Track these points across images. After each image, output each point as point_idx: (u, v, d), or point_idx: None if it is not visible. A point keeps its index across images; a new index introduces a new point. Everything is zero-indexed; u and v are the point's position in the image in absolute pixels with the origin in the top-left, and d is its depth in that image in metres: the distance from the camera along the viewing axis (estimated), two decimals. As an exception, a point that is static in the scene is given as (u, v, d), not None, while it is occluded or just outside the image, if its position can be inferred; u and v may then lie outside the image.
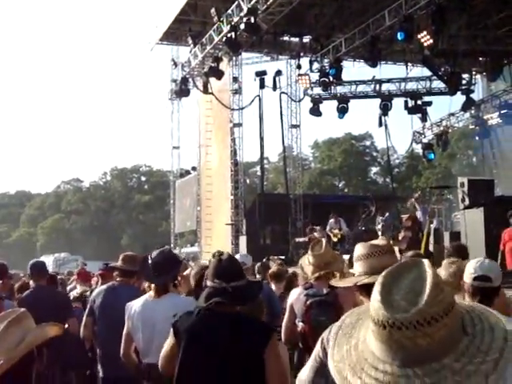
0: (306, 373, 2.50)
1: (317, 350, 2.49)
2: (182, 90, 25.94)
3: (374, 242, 2.72)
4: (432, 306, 1.30)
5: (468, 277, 3.48)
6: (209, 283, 3.44)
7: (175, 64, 28.11)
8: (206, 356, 3.28)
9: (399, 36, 17.15)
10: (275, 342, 3.34)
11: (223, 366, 3.24)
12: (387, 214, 16.82)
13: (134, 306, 4.59)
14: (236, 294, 3.34)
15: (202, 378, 3.29)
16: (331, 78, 22.63)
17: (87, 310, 5.92)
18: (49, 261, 36.03)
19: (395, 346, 1.31)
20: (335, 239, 19.62)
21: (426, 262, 1.44)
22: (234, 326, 3.31)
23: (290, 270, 11.29)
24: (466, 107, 25.05)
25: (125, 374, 4.97)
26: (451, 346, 1.32)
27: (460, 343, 1.33)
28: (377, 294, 1.38)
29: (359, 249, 2.70)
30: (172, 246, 31.73)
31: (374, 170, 66.17)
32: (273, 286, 7.30)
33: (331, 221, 20.06)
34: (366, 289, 2.57)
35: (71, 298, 7.97)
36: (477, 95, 25.85)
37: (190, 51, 24.86)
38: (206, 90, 24.16)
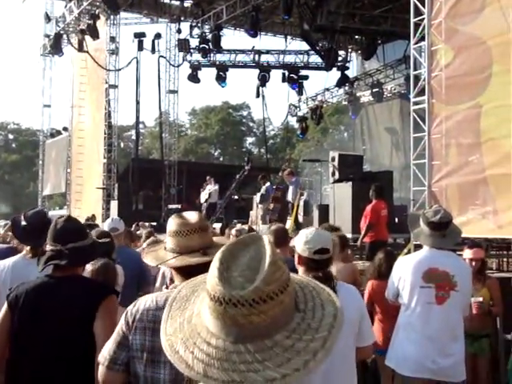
0: (107, 346, 2.49)
1: (121, 323, 2.48)
2: (55, 47, 24.79)
3: (187, 217, 2.60)
4: (268, 284, 1.30)
5: (305, 250, 3.41)
6: (47, 247, 3.34)
7: (49, 19, 26.81)
8: (42, 323, 3.15)
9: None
10: (110, 303, 3.21)
11: (59, 331, 3.12)
12: (268, 184, 17.01)
13: (2, 264, 4.36)
14: (74, 255, 3.25)
15: (39, 347, 3.15)
16: (210, 45, 22.46)
17: None
18: None
19: (230, 322, 1.31)
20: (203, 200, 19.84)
21: (265, 238, 1.44)
22: (70, 289, 3.22)
23: (162, 237, 11.20)
24: (340, 83, 25.75)
25: None
26: (284, 323, 1.34)
27: (292, 320, 1.36)
28: (215, 269, 1.35)
29: (170, 224, 2.61)
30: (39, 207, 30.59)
31: (250, 140, 66.90)
32: None
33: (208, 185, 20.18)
34: (177, 268, 2.56)
35: None
36: (351, 72, 26.70)
37: (66, 6, 23.81)
38: (80, 48, 23.27)
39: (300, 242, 3.48)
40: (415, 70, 10.75)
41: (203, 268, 2.40)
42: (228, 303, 1.29)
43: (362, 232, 10.62)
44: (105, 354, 2.47)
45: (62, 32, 24.58)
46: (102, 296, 3.20)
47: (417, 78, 10.61)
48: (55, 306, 3.16)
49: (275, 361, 1.28)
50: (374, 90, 25.27)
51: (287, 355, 1.29)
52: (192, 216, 2.65)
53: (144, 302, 2.47)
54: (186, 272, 2.46)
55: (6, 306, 3.27)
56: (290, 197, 15.70)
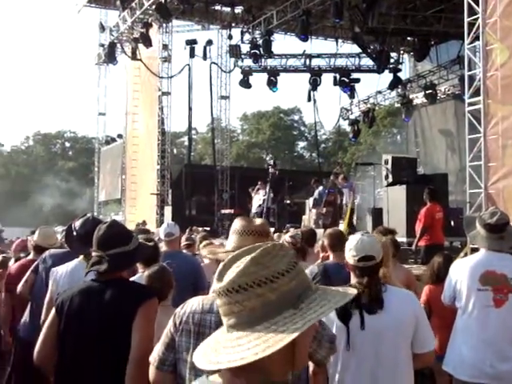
0: (157, 347, 2.57)
1: (169, 324, 2.54)
2: (109, 56, 25.28)
3: (251, 220, 2.74)
4: (241, 277, 1.41)
5: (351, 258, 3.45)
6: (93, 253, 3.42)
7: (103, 28, 27.38)
8: (86, 327, 3.23)
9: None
10: (150, 306, 3.25)
11: (103, 334, 3.19)
12: (320, 188, 16.94)
13: (61, 269, 4.49)
14: (114, 261, 3.31)
15: (84, 351, 3.22)
16: (261, 51, 22.50)
17: (33, 267, 5.56)
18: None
19: (222, 312, 1.45)
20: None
21: (268, 245, 1.49)
22: (112, 293, 3.27)
23: (216, 241, 11.29)
24: (392, 86, 25.48)
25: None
26: (268, 315, 1.40)
27: (280, 314, 1.40)
28: (217, 270, 1.50)
29: (235, 223, 2.74)
30: (95, 214, 31.23)
31: (302, 144, 66.80)
32: None
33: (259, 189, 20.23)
34: None
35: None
36: (404, 74, 26.40)
37: (119, 15, 24.24)
38: (134, 57, 23.66)
39: (347, 249, 3.51)
40: (470, 70, 10.59)
41: None
42: (218, 295, 1.44)
43: (417, 235, 10.46)
44: (154, 354, 2.54)
45: (115, 41, 25.05)
46: (142, 299, 3.24)
47: (471, 78, 10.43)
48: (98, 310, 3.22)
49: (243, 347, 1.37)
50: (427, 92, 24.88)
51: (254, 342, 1.36)
52: (256, 220, 2.77)
53: (191, 304, 2.52)
54: None
55: (53, 311, 3.38)
56: (345, 200, 15.63)
